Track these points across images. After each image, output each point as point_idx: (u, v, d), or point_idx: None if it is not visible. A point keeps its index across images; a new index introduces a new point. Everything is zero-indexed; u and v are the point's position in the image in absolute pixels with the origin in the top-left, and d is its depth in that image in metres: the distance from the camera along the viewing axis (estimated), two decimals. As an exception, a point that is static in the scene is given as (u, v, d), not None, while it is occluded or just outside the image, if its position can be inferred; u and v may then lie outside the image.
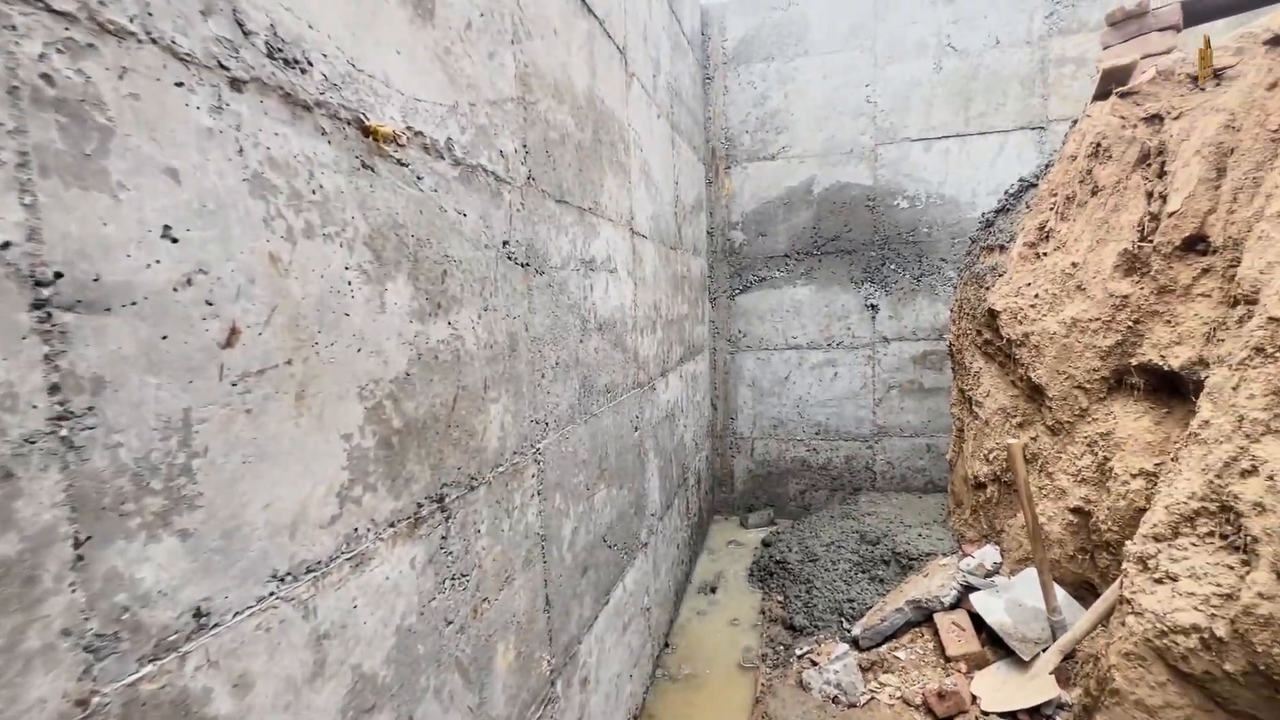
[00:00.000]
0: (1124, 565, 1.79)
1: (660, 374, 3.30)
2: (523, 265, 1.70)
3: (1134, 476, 2.18)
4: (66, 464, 0.64)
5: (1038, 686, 2.12)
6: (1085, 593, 2.43)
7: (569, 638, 1.98)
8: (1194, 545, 1.63)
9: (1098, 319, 2.32)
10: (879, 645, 2.82)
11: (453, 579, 1.33)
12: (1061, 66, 4.24)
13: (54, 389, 0.63)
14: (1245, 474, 1.54)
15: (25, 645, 0.60)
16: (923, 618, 2.79)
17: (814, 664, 2.88)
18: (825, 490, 4.94)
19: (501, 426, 1.56)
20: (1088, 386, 2.39)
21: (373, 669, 1.07)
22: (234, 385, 0.82)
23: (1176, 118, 2.21)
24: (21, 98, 0.61)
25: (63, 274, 0.64)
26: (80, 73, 0.66)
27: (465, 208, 1.41)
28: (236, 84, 0.84)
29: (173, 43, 0.75)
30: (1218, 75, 2.18)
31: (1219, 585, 1.54)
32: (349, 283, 1.04)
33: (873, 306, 4.71)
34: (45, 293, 0.63)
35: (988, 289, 2.98)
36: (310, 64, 0.97)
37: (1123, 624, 1.73)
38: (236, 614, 0.82)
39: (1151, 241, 2.18)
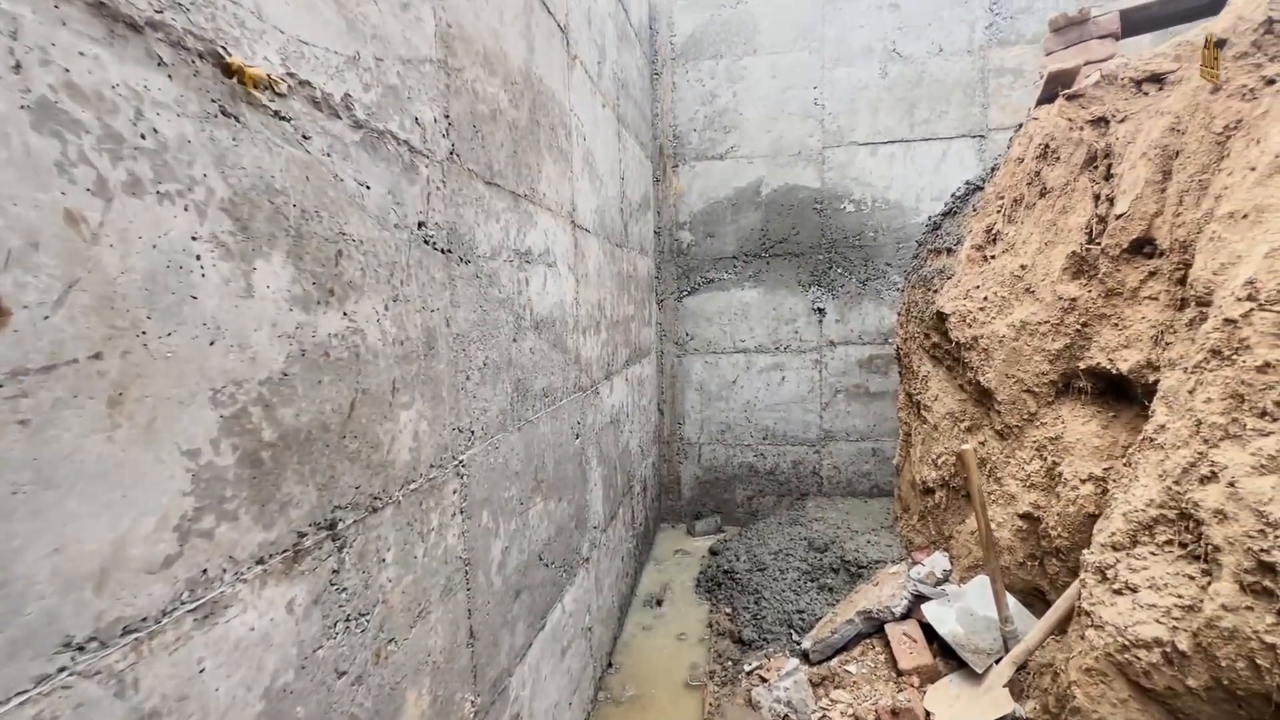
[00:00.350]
0: (1081, 575, 1.73)
1: (604, 377, 3.12)
2: (444, 251, 1.49)
3: (1083, 481, 2.15)
4: None
5: (992, 700, 2.05)
6: (1034, 600, 2.40)
7: (498, 671, 1.77)
8: (1153, 555, 1.58)
9: (1046, 322, 2.29)
10: (830, 658, 2.72)
11: (347, 621, 1.11)
12: (1000, 76, 4.32)
13: None
14: (1205, 480, 1.49)
15: None
16: (874, 629, 2.71)
17: (763, 680, 2.75)
18: (772, 496, 4.87)
19: (415, 436, 1.35)
20: (1036, 390, 2.36)
21: (229, 746, 0.85)
22: None
23: (1122, 120, 2.20)
24: None
25: None
26: None
27: (369, 179, 1.20)
28: (12, -24, 0.61)
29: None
30: (1159, 80, 2.19)
31: (1180, 596, 1.49)
32: (198, 257, 0.82)
33: (820, 310, 4.68)
34: None
35: (936, 292, 2.95)
36: (140, -30, 0.74)
37: (1082, 637, 1.66)
38: None
39: (1099, 244, 2.16)
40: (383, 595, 1.22)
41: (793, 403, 4.77)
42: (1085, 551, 1.74)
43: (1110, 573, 1.64)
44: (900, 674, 2.42)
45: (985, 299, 2.56)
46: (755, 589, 3.49)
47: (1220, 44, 1.96)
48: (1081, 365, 2.23)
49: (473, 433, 1.64)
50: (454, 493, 1.53)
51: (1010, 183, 2.60)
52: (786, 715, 2.43)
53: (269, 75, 0.94)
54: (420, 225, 1.39)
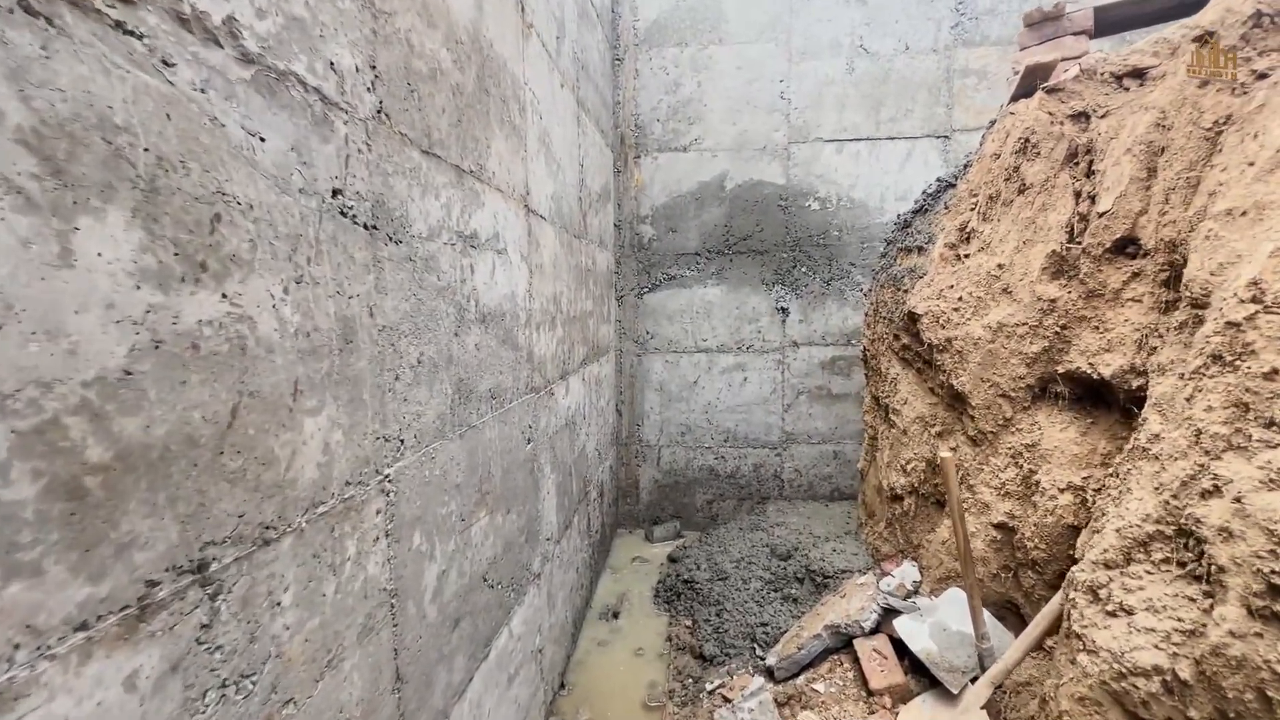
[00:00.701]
0: (1070, 594, 1.61)
1: (560, 377, 2.90)
2: (367, 227, 1.25)
3: (1061, 491, 2.06)
4: None
5: (969, 724, 1.93)
6: (1007, 613, 2.30)
7: (432, 715, 1.54)
8: (1149, 574, 1.47)
9: (1024, 324, 2.20)
10: (796, 676, 2.58)
11: (223, 687, 0.87)
12: (965, 77, 4.29)
13: None
14: (1207, 495, 1.38)
15: None
16: (842, 644, 2.58)
17: (726, 700, 2.59)
18: (733, 500, 4.74)
19: (325, 448, 1.11)
20: (1013, 395, 2.26)
21: None
22: None
23: (1104, 116, 2.12)
24: None
25: None
26: None
27: (264, 129, 0.96)
28: None
29: None
30: (1140, 75, 2.11)
31: (1180, 620, 1.38)
32: (-28, 205, 0.57)
33: (783, 310, 4.56)
34: None
35: (906, 292, 2.84)
36: None
37: (1073, 662, 1.55)
38: None
39: (1080, 243, 2.07)
40: (277, 647, 0.98)
41: (755, 404, 4.65)
42: (1075, 569, 1.63)
43: (1103, 593, 1.52)
44: (871, 694, 2.29)
45: (960, 299, 2.45)
46: (717, 600, 3.33)
47: (1206, 38, 1.88)
48: (1060, 369, 2.14)
49: (403, 441, 1.40)
50: (378, 513, 1.29)
51: (986, 179, 2.51)
52: (752, 740, 2.28)
53: (106, -29, 0.70)
54: (335, 193, 1.15)
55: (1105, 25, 2.66)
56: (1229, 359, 1.41)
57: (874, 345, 3.26)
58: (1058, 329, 2.13)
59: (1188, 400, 1.49)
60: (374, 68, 1.27)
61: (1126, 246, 1.96)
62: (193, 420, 0.82)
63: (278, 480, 0.99)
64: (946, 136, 4.34)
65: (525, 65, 2.31)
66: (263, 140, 0.96)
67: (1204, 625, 1.34)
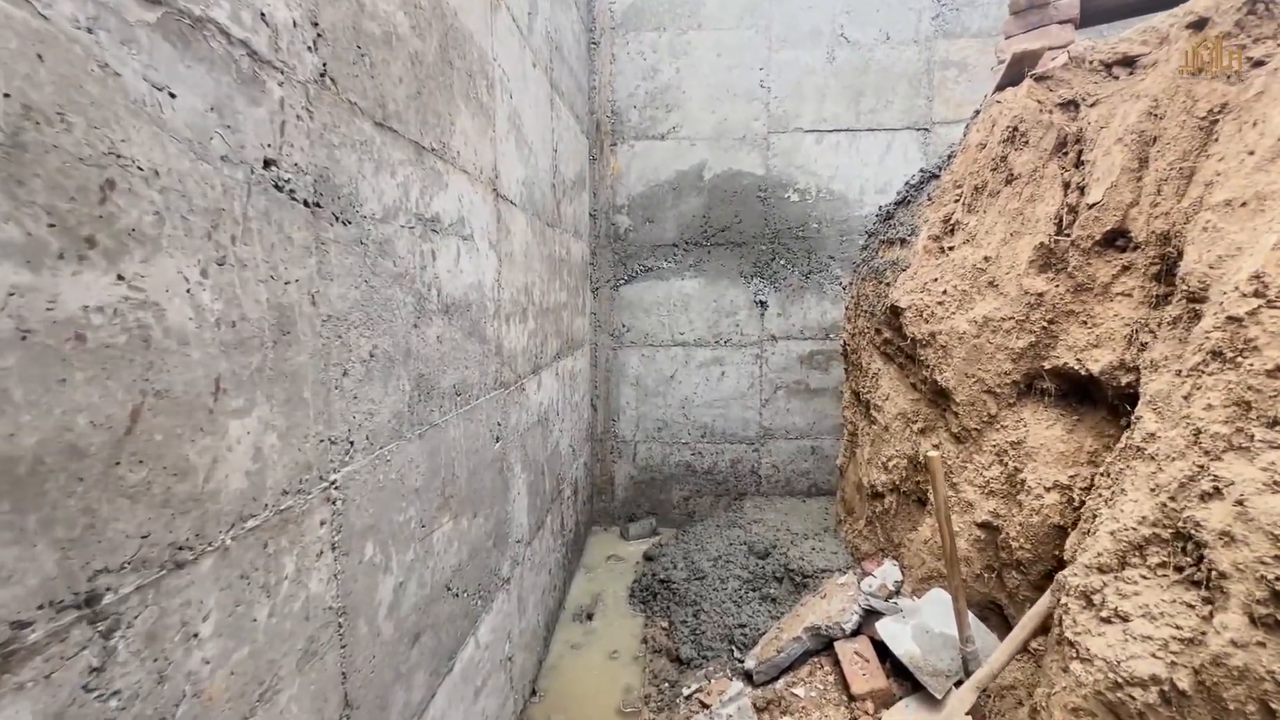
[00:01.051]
0: (1062, 599, 1.55)
1: (531, 371, 2.78)
2: (309, 205, 1.12)
3: (1047, 490, 2.00)
4: None
5: (953, 730, 1.87)
6: (991, 614, 2.26)
7: (387, 740, 1.41)
8: (1145, 578, 1.41)
9: (1011, 318, 2.14)
10: (775, 679, 2.50)
11: (120, 740, 0.74)
12: (946, 69, 4.25)
13: None
14: (1206, 497, 1.32)
15: None
16: (822, 646, 2.51)
17: (704, 706, 2.51)
18: (710, 496, 4.66)
19: (256, 454, 0.98)
20: (998, 391, 2.21)
21: None
22: None
23: (1094, 104, 2.06)
24: None
25: None
26: None
27: (174, 84, 0.82)
28: None
29: None
30: (1130, 63, 2.06)
31: (1179, 628, 1.32)
32: None
33: (762, 303, 4.49)
34: None
35: (889, 285, 2.77)
36: None
37: (1065, 670, 1.49)
38: None
39: (1069, 235, 2.01)
40: (193, 686, 0.85)
41: (732, 399, 4.57)
42: (1066, 572, 1.57)
43: (1097, 598, 1.46)
44: (852, 699, 2.22)
45: (944, 293, 2.39)
46: (694, 600, 3.25)
47: (1200, 24, 1.83)
48: (1046, 365, 2.09)
49: (352, 444, 1.27)
50: (322, 524, 1.16)
51: (971, 169, 2.44)
52: (730, 749, 2.20)
53: None
54: (268, 164, 1.01)
55: (1091, 14, 2.61)
56: (1230, 355, 1.35)
57: (855, 339, 3.19)
58: (1045, 324, 2.07)
59: (1185, 398, 1.43)
60: (316, 24, 1.13)
61: (1117, 239, 1.91)
62: (77, 426, 0.69)
63: (194, 493, 0.85)
64: (926, 129, 4.29)
65: (494, 40, 2.17)
66: (173, 96, 0.82)
67: (1204, 633, 1.28)
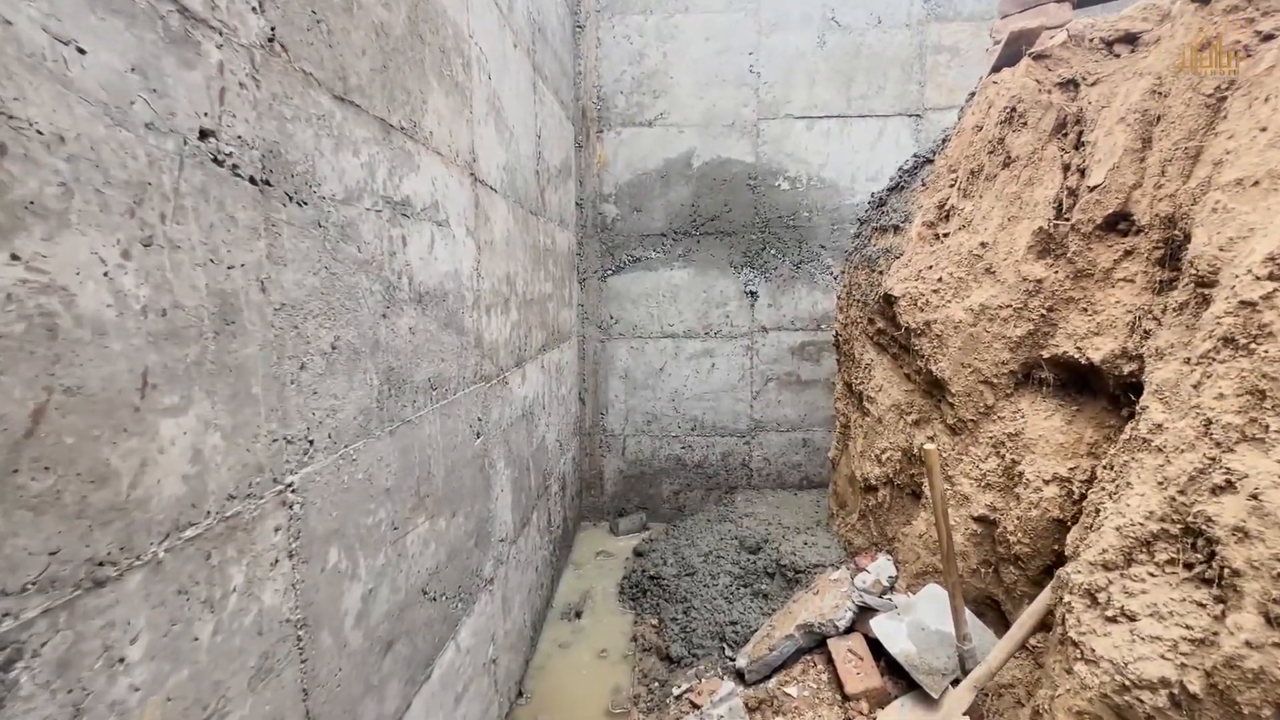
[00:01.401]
0: (1065, 597, 1.49)
1: (515, 364, 2.68)
2: (256, 182, 1.02)
3: (1046, 482, 1.94)
4: None
5: (951, 731, 1.81)
6: (987, 609, 2.20)
7: (357, 756, 1.33)
8: (1153, 576, 1.35)
9: (1009, 306, 2.07)
10: (767, 679, 2.44)
11: (24, 785, 0.65)
12: (938, 54, 4.17)
13: None
14: (1218, 491, 1.26)
15: None
16: (815, 643, 2.45)
17: (695, 706, 2.44)
18: (701, 490, 4.60)
19: (195, 456, 0.88)
20: (995, 381, 2.14)
21: None
22: None
23: (1094, 84, 1.98)
24: None
25: None
26: None
27: (82, 37, 0.72)
28: None
29: None
30: (1132, 40, 1.98)
31: (1189, 628, 1.26)
32: None
33: (752, 294, 4.41)
34: None
35: (882, 273, 2.70)
36: None
37: (1069, 671, 1.43)
38: None
39: (1069, 219, 1.94)
40: (119, 716, 0.76)
41: (723, 391, 4.50)
42: (1069, 569, 1.50)
43: (1102, 596, 1.40)
44: (846, 699, 2.16)
45: (939, 280, 2.32)
46: (684, 596, 3.18)
47: (1205, -2, 1.76)
48: (1045, 354, 2.02)
49: (312, 442, 1.18)
50: (277, 530, 1.07)
51: (967, 153, 2.37)
52: (721, 751, 2.13)
53: None
54: (206, 135, 0.91)
55: (1087, -5, 2.53)
56: (1243, 342, 1.29)
57: (847, 330, 3.12)
58: (1044, 311, 2.00)
59: (1195, 387, 1.37)
60: (262, -16, 1.03)
61: (1119, 223, 1.84)
62: (-39, 428, 0.59)
63: (117, 501, 0.76)
64: (919, 115, 4.22)
65: (470, 16, 2.06)
66: (82, 53, 0.72)
67: (1216, 634, 1.22)
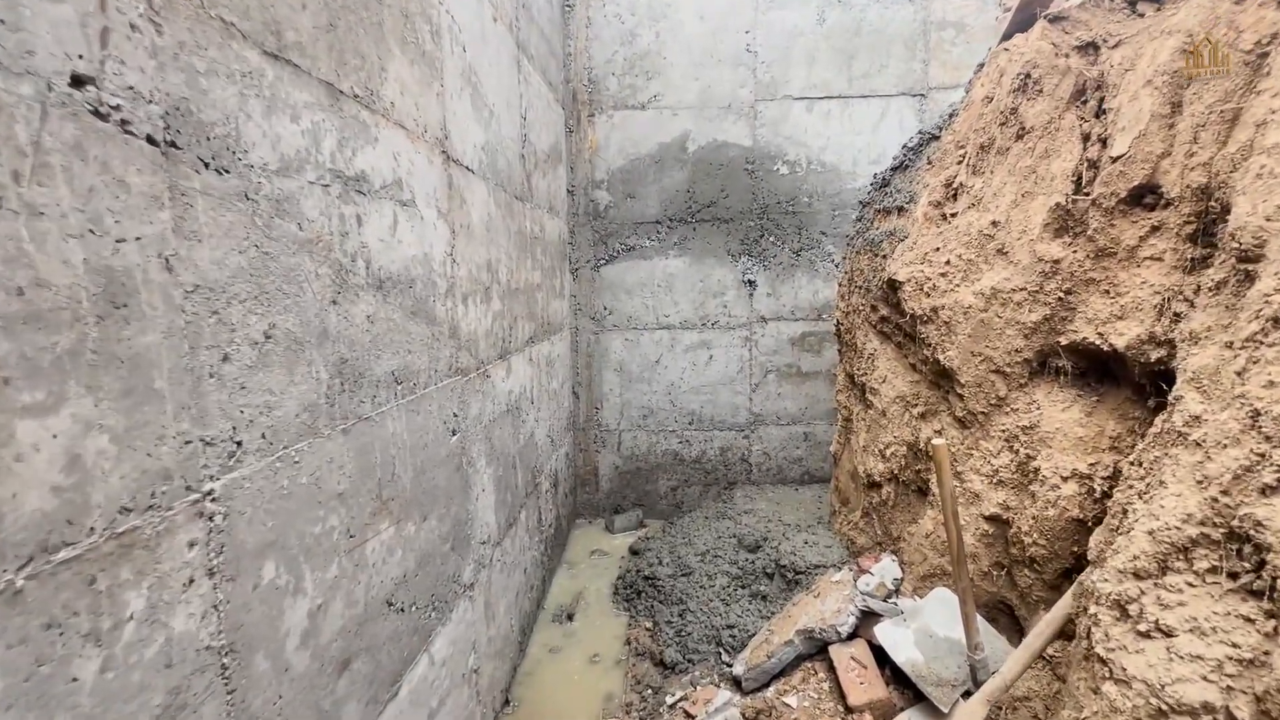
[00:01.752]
0: (1091, 609, 1.35)
1: (499, 356, 2.54)
2: (157, 143, 0.87)
3: (1065, 479, 1.80)
4: None
5: (962, 749, 1.68)
6: (999, 614, 2.06)
7: (304, 791, 1.20)
8: (1192, 586, 1.20)
9: (1023, 289, 1.92)
10: (765, 687, 2.31)
11: None
12: (943, 30, 3.99)
13: None
14: (1269, 491, 1.12)
15: None
16: (816, 649, 2.32)
17: (689, 716, 2.31)
18: (699, 486, 4.46)
19: (70, 463, 0.74)
20: (1007, 370, 1.99)
21: None
22: None
23: (1115, 45, 1.83)
24: None
25: None
26: None
27: (-114, -56, 0.57)
28: None
29: None
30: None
31: (1235, 646, 1.11)
32: None
33: (750, 283, 4.26)
34: None
35: (885, 257, 2.55)
36: None
37: (1096, 691, 1.28)
38: None
39: (1089, 194, 1.79)
40: (-42, 783, 0.62)
41: (721, 384, 4.35)
42: (1095, 577, 1.36)
43: (1133, 608, 1.26)
44: (849, 709, 2.03)
45: (947, 263, 2.17)
46: (680, 598, 3.05)
47: (1241, -54, 1.59)
48: (1063, 341, 1.87)
49: (239, 444, 1.04)
50: (191, 546, 0.93)
51: (977, 126, 2.21)
52: (716, 767, 2.00)
53: None
54: (80, 83, 0.76)
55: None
56: (1296, 322, 1.14)
57: (848, 318, 2.97)
58: (1061, 294, 1.85)
59: (1239, 374, 1.22)
60: (160, -90, 0.88)
61: (1145, 196, 1.69)
62: None
63: (-51, 522, 0.62)
64: (923, 95, 4.05)
65: (439, -21, 1.90)
66: (-115, -37, 0.57)
67: (1267, 653, 1.08)
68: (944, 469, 1.67)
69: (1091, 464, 1.77)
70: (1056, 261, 1.85)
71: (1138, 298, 1.68)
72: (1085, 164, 1.82)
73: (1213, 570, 1.19)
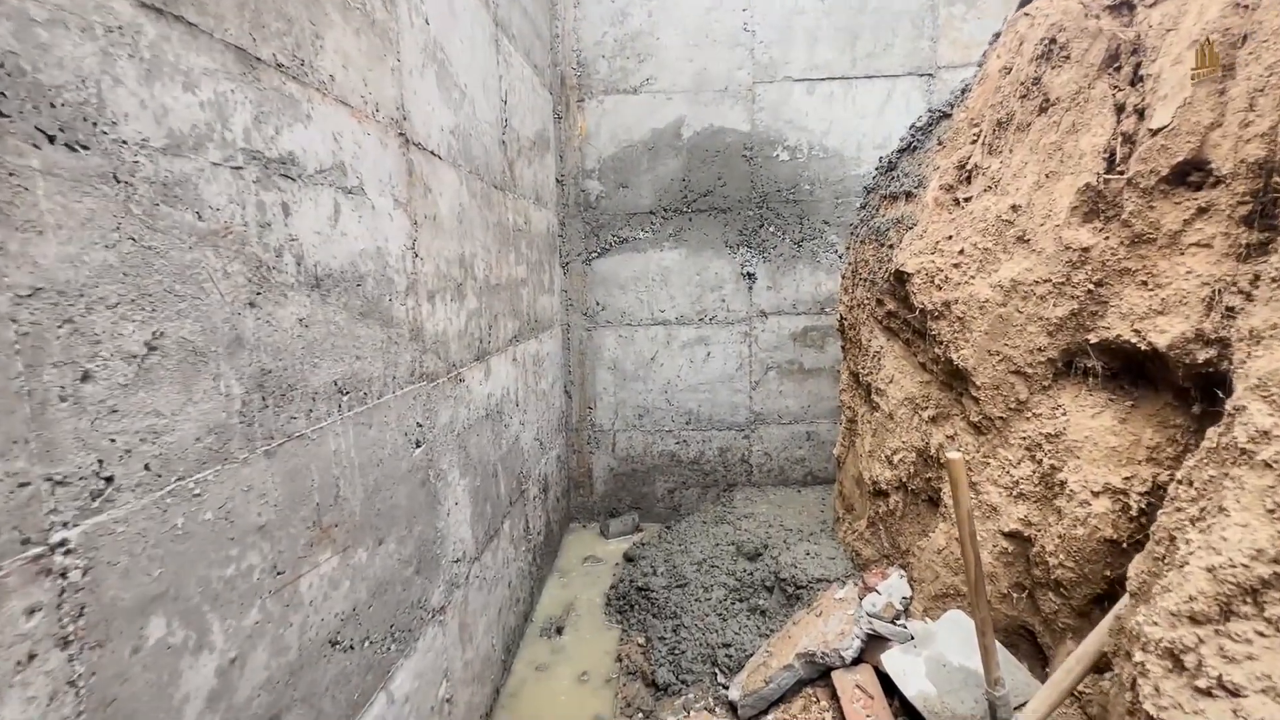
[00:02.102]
0: (1138, 657, 1.15)
1: (475, 358, 2.36)
2: (-36, 108, 0.68)
3: (1096, 494, 1.60)
4: None
5: (982, 799, 1.49)
6: (1020, 640, 1.87)
7: None
8: (1263, 636, 1.01)
9: (1047, 280, 1.72)
10: (763, 714, 2.13)
11: None
12: (952, 5, 3.76)
13: None
14: (1362, 526, 0.92)
15: None
16: (818, 674, 2.13)
17: (680, 747, 2.13)
18: (697, 488, 4.28)
19: None
20: (1029, 371, 1.79)
21: None
22: None
23: (1154, 3, 1.61)
24: None
25: None
26: None
27: None
28: None
29: None
30: (1201, -49, 1.60)
31: (1321, 713, 0.92)
32: None
33: (749, 275, 4.05)
34: None
35: (893, 247, 2.34)
36: None
37: (1144, 756, 1.09)
38: None
39: (1124, 172, 1.58)
40: None
41: (719, 382, 4.16)
42: (1142, 619, 1.17)
43: (1190, 659, 1.06)
44: (854, 746, 1.84)
45: (960, 253, 1.96)
46: (674, 612, 2.87)
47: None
48: (1092, 339, 1.67)
49: (109, 480, 0.85)
50: (31, 614, 0.75)
51: (993, 101, 2.00)
52: (708, 808, 1.82)
53: None
54: None
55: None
56: (1395, 320, 0.94)
57: (852, 313, 2.77)
58: (1091, 286, 1.65)
59: (1319, 382, 1.02)
60: None
61: (1190, 174, 1.48)
62: None
63: None
64: (931, 75, 3.82)
65: (392, -59, 1.71)
66: None
67: (1364, 725, 0.88)
68: (960, 485, 1.48)
69: (1126, 478, 1.57)
70: (1086, 249, 1.64)
71: (1182, 290, 1.47)
72: (1119, 139, 1.61)
73: (1289, 617, 0.99)
